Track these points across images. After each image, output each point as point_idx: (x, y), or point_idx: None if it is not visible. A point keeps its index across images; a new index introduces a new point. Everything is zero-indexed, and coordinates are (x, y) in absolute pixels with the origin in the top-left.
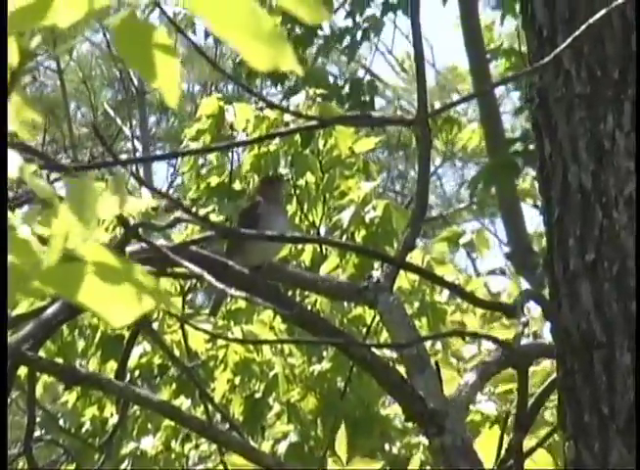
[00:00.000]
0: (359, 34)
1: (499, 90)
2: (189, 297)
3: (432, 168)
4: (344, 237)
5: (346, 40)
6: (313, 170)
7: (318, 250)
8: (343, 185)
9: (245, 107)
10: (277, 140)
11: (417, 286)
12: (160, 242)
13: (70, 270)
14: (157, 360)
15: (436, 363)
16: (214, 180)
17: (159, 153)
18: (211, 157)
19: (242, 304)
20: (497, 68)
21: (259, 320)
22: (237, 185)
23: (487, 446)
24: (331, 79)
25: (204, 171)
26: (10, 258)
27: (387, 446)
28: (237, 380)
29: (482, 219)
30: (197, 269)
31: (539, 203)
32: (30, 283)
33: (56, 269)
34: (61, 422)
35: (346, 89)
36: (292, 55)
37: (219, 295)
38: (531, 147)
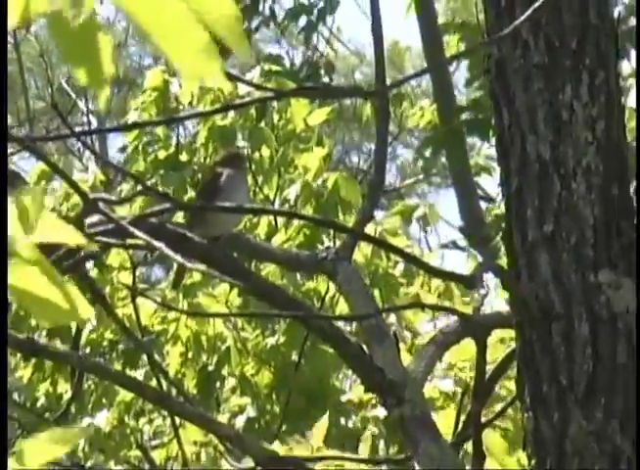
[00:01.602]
0: (315, 14)
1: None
2: (142, 271)
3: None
4: (294, 210)
5: (303, 20)
6: (269, 144)
7: (273, 223)
8: (298, 159)
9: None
10: (232, 113)
11: (370, 259)
12: (119, 214)
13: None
14: (107, 336)
15: (395, 334)
16: (161, 153)
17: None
18: (158, 130)
19: (196, 277)
20: (449, 43)
21: (208, 293)
22: (183, 157)
23: (445, 420)
24: (287, 63)
25: (148, 144)
26: None
27: (342, 420)
28: (189, 354)
29: (434, 190)
30: (155, 242)
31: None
32: None
33: None
34: (15, 397)
35: (304, 72)
36: (220, 71)
37: (180, 267)
38: (480, 117)
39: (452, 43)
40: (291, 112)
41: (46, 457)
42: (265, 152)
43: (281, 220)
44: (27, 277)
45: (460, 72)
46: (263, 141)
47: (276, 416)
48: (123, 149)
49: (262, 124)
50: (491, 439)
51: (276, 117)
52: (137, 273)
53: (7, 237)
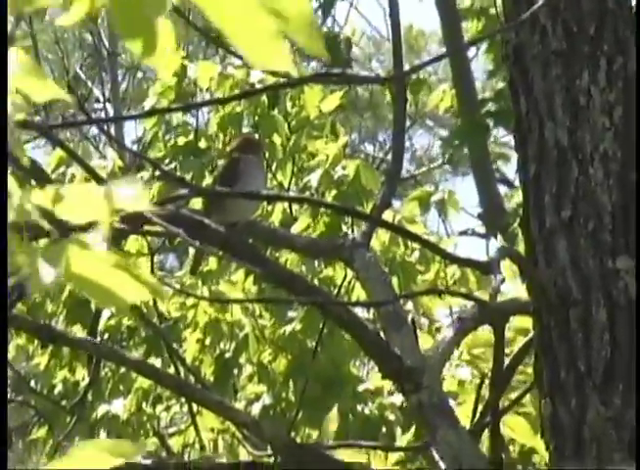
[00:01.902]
0: None
1: (471, 52)
2: (158, 259)
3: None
4: (314, 198)
5: None
6: (280, 131)
7: (288, 211)
8: (311, 146)
9: (207, 64)
10: (243, 101)
11: (387, 246)
12: None
13: (60, 251)
14: (125, 322)
15: (413, 321)
16: (180, 139)
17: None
18: (175, 116)
19: (213, 265)
20: (469, 30)
21: (228, 280)
22: (202, 143)
23: (464, 408)
24: None
25: (167, 132)
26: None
27: (359, 407)
28: (207, 341)
29: (454, 178)
30: (173, 228)
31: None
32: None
33: (49, 248)
34: (32, 384)
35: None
36: (288, 57)
37: (198, 253)
38: (503, 107)
39: (472, 29)
40: (304, 99)
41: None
42: (277, 139)
43: (298, 208)
44: (85, 260)
45: (479, 59)
46: (275, 128)
47: (292, 404)
48: (139, 140)
49: (275, 112)
50: (514, 423)
51: (289, 104)
52: (154, 260)
53: (7, 232)
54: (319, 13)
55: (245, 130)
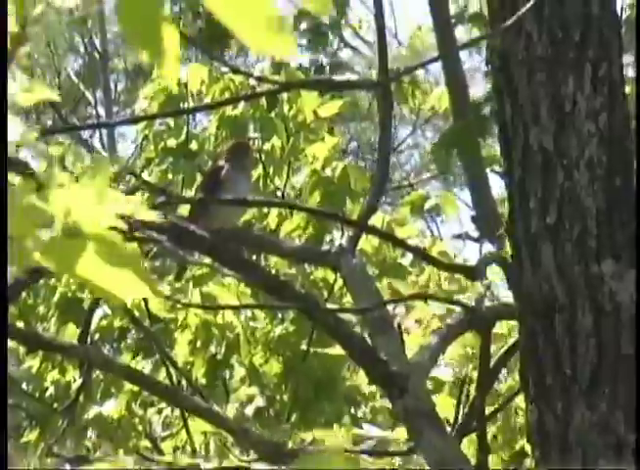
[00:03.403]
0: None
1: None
2: (158, 261)
3: (402, 138)
4: (302, 198)
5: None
6: (279, 135)
7: (283, 213)
8: (308, 150)
9: (198, 67)
10: (241, 104)
11: (378, 248)
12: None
13: (72, 246)
14: (117, 323)
15: (399, 326)
16: (171, 141)
17: (123, 117)
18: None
19: (204, 269)
20: (465, 33)
21: (219, 282)
22: (193, 145)
23: (444, 410)
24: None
25: (159, 134)
26: (11, 229)
27: (352, 410)
28: (198, 343)
29: (449, 187)
30: (158, 236)
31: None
32: (30, 257)
33: (58, 244)
34: (23, 386)
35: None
36: (293, 43)
37: (181, 260)
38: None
39: (465, 33)
40: (301, 103)
41: None
42: (277, 142)
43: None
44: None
45: (473, 63)
46: (274, 131)
47: (285, 406)
48: (142, 142)
49: (273, 115)
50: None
51: (286, 107)
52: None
53: (7, 236)
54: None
55: (245, 133)
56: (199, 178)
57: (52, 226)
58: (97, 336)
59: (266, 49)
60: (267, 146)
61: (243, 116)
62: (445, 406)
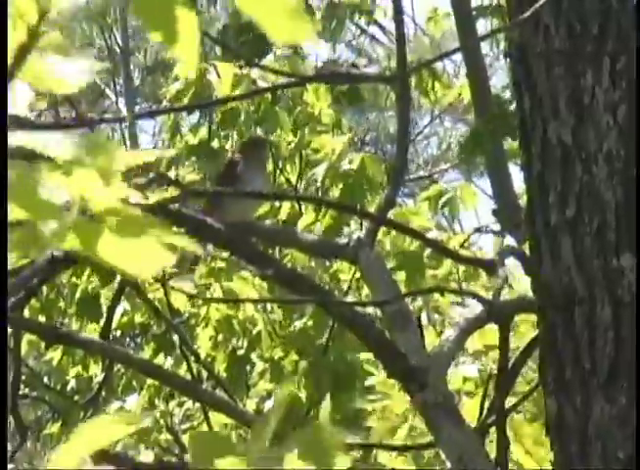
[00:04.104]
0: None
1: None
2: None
3: (420, 128)
4: (320, 192)
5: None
6: (284, 127)
7: (296, 207)
8: (316, 142)
9: (226, 65)
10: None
11: (396, 241)
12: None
13: (88, 227)
14: (138, 319)
15: (418, 319)
16: (190, 138)
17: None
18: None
19: (223, 263)
20: (485, 26)
21: (240, 277)
22: (215, 143)
23: (470, 406)
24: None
25: (183, 130)
26: (25, 214)
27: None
28: (219, 337)
29: (468, 178)
30: (175, 228)
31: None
32: (48, 241)
33: (75, 226)
34: (45, 380)
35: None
36: (312, 30)
37: (195, 254)
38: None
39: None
40: (308, 96)
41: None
42: (283, 135)
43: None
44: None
45: (494, 55)
46: (278, 124)
47: (304, 401)
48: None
49: (277, 108)
50: (518, 424)
51: (291, 102)
52: None
53: (7, 234)
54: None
55: (246, 127)
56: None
57: (70, 209)
58: (118, 333)
59: (286, 36)
60: (273, 138)
61: (246, 109)
62: (472, 405)
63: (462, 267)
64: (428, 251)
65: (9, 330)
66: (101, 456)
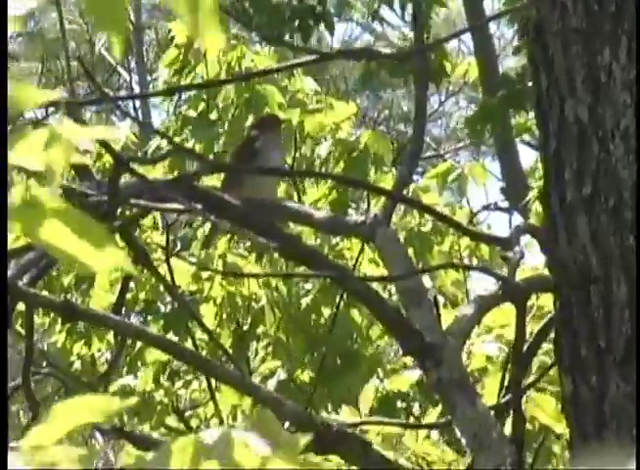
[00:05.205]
0: None
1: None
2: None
3: (435, 106)
4: (324, 168)
5: None
6: (272, 106)
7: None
8: (309, 123)
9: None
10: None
11: (402, 217)
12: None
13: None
14: (142, 296)
15: (435, 297)
16: (191, 112)
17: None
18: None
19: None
20: (497, 3)
21: (237, 254)
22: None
23: (490, 385)
24: None
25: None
26: None
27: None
28: (224, 315)
29: (478, 157)
30: (193, 204)
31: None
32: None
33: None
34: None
35: None
36: (222, 33)
37: (213, 227)
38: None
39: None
40: (300, 80)
41: (80, 421)
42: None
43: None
44: (54, 227)
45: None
46: (266, 102)
47: (308, 379)
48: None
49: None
50: (539, 400)
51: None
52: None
53: (7, 236)
54: None
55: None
56: (216, 147)
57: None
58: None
59: (199, 34)
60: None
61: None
62: (493, 383)
63: (463, 245)
64: (429, 226)
65: (22, 307)
66: None
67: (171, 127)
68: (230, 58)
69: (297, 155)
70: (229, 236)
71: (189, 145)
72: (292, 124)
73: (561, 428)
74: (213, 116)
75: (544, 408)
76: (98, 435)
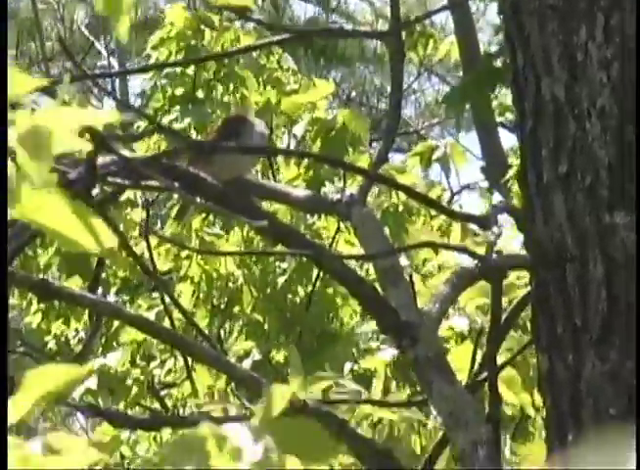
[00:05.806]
0: None
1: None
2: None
3: (408, 83)
4: (300, 147)
5: None
6: (248, 87)
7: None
8: (285, 104)
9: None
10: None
11: (377, 197)
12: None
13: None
14: (120, 274)
15: (410, 276)
16: (178, 91)
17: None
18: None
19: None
20: None
21: (211, 234)
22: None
23: (460, 360)
24: None
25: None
26: None
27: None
28: (200, 295)
29: (456, 134)
30: (170, 182)
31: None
32: None
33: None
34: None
35: None
36: (126, 24)
37: (185, 201)
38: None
39: None
40: (279, 56)
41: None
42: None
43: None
44: (44, 205)
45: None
46: (243, 84)
47: (283, 360)
48: (143, 93)
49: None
50: (508, 376)
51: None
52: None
53: (7, 234)
54: None
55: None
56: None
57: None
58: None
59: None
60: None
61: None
62: (461, 355)
63: (435, 224)
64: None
65: None
66: None
67: (158, 106)
68: (224, 39)
69: (273, 135)
70: (204, 215)
71: (180, 125)
72: (271, 104)
73: (529, 406)
74: (200, 94)
75: (512, 387)
76: (79, 415)
